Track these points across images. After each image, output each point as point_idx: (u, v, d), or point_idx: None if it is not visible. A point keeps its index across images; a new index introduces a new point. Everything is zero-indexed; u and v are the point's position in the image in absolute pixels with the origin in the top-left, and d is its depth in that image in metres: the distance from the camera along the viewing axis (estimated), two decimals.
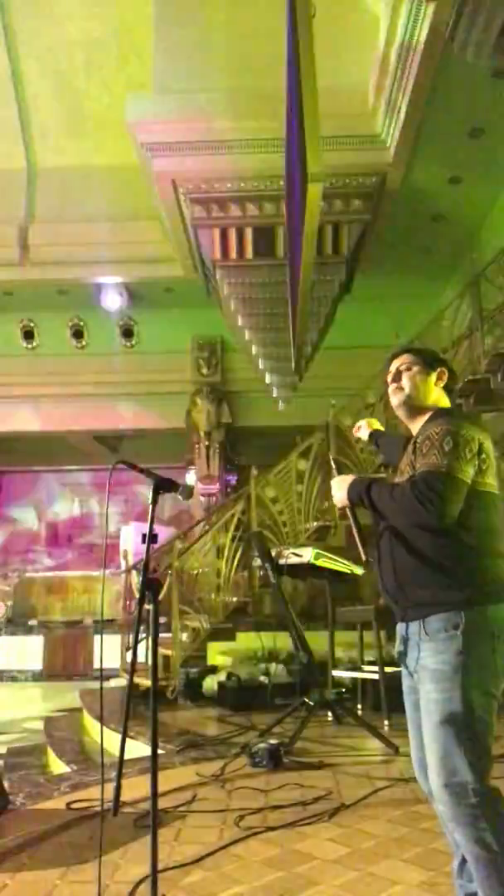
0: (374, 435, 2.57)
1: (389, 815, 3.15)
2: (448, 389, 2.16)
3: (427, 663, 1.86)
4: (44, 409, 11.42)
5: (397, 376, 2.14)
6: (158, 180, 7.93)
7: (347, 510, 2.13)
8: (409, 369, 2.13)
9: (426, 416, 2.08)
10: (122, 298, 10.37)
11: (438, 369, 2.14)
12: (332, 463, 2.37)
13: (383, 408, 7.18)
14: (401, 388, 2.12)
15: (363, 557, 2.16)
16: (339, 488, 2.09)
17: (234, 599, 7.16)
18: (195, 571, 7.27)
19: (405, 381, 2.12)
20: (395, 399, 2.14)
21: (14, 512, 13.44)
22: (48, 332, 11.32)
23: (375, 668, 5.21)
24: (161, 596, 2.91)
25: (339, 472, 2.20)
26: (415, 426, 2.11)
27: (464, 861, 1.91)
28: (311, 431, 8.06)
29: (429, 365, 2.13)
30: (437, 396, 2.12)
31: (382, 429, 2.63)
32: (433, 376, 2.12)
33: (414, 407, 2.10)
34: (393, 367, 2.16)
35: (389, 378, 2.16)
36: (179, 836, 2.98)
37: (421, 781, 1.99)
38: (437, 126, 6.81)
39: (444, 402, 2.13)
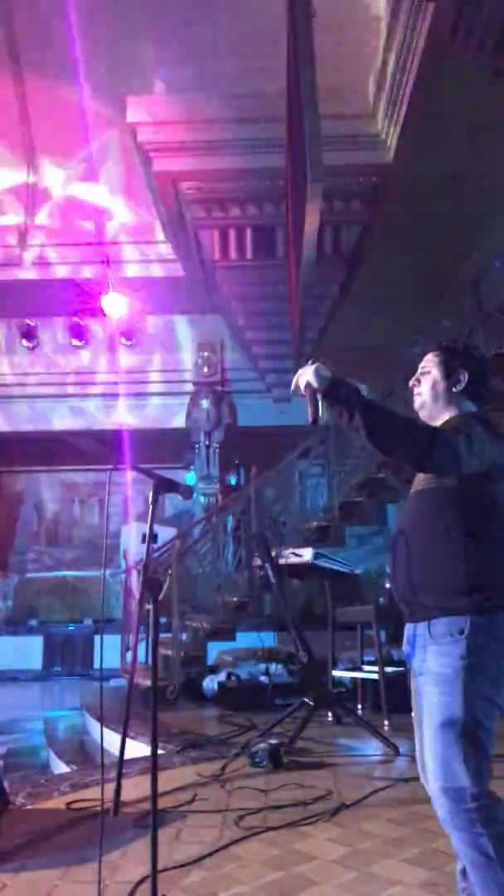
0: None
1: (389, 815, 3.15)
2: (473, 392, 2.04)
3: (431, 666, 1.86)
4: (44, 409, 11.43)
5: (418, 379, 2.08)
6: (158, 180, 7.93)
7: (308, 393, 1.87)
8: (428, 373, 2.06)
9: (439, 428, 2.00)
10: (123, 298, 10.36)
11: (456, 375, 2.02)
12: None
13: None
14: (419, 394, 2.07)
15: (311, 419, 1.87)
16: (313, 371, 1.86)
17: (234, 599, 7.15)
18: (195, 571, 7.27)
19: (423, 387, 2.06)
20: (415, 403, 2.09)
21: (14, 512, 13.42)
22: (48, 331, 11.33)
23: (375, 668, 5.21)
24: (161, 596, 2.91)
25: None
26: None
27: None
28: (311, 431, 8.06)
29: (448, 369, 2.03)
30: (458, 402, 2.02)
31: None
32: (450, 382, 2.02)
33: (431, 414, 2.05)
34: (419, 368, 2.09)
35: (411, 381, 2.10)
36: (179, 836, 2.98)
37: (424, 782, 1.99)
38: (437, 126, 6.81)
39: (467, 407, 2.03)
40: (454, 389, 2.02)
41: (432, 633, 1.87)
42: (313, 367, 1.91)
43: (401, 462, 1.96)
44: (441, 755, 1.79)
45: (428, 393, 2.05)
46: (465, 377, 2.02)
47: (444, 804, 1.77)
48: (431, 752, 1.82)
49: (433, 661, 1.86)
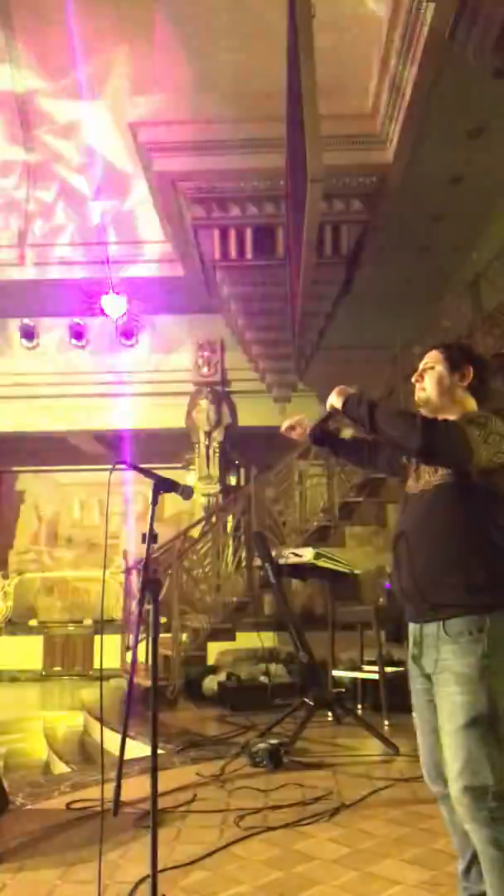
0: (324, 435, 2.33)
1: (389, 815, 3.15)
2: (477, 389, 2.06)
3: (450, 665, 1.84)
4: (44, 409, 11.43)
5: (421, 375, 2.09)
6: (158, 180, 7.93)
7: (332, 411, 2.14)
8: (432, 369, 2.07)
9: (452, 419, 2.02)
10: (123, 298, 10.36)
11: (463, 370, 2.05)
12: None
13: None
14: (423, 389, 2.08)
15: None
16: (336, 391, 2.12)
17: (234, 599, 7.16)
18: (195, 571, 7.27)
19: (427, 382, 2.07)
20: (417, 398, 2.10)
21: (14, 512, 13.42)
22: (48, 331, 11.33)
23: (375, 668, 5.21)
24: (161, 596, 2.91)
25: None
26: None
27: (470, 864, 1.91)
28: None
29: (454, 365, 2.05)
30: (462, 398, 2.04)
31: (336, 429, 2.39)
32: (456, 377, 2.05)
33: (436, 409, 2.04)
34: (421, 364, 2.11)
35: (414, 376, 2.11)
36: (179, 836, 2.98)
37: (429, 782, 1.98)
38: (437, 126, 6.81)
39: (470, 403, 2.05)
40: (460, 384, 2.04)
41: (448, 632, 1.85)
42: (337, 388, 2.11)
43: (409, 453, 2.00)
44: (465, 754, 1.77)
45: (434, 388, 2.05)
46: (470, 372, 2.05)
47: (466, 803, 1.77)
48: (454, 752, 1.80)
49: (453, 661, 1.83)
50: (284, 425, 2.39)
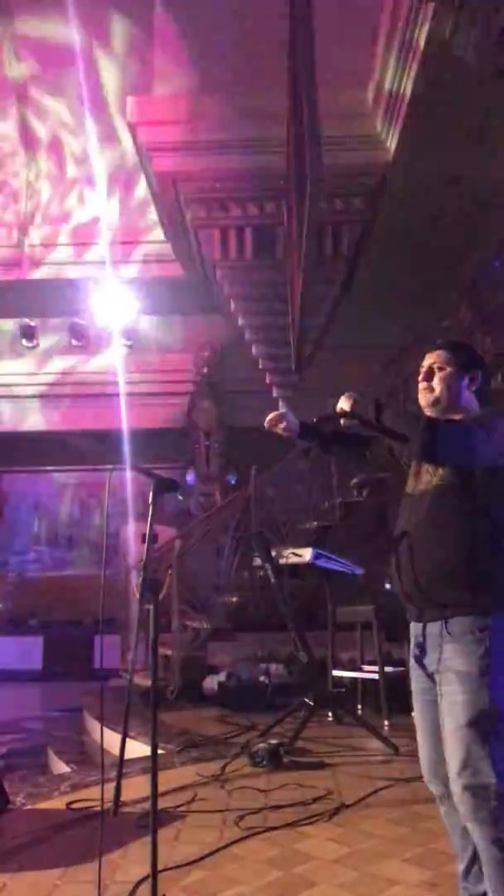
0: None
1: (389, 815, 3.15)
2: (480, 391, 2.06)
3: (452, 665, 1.85)
4: (44, 409, 11.43)
5: (429, 375, 2.05)
6: (158, 180, 7.93)
7: (344, 415, 2.06)
8: (442, 369, 2.04)
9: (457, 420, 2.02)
10: (122, 299, 10.36)
11: (472, 373, 2.05)
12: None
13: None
14: (431, 389, 2.04)
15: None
16: (346, 396, 2.05)
17: (234, 599, 7.16)
18: (195, 571, 7.27)
19: (436, 383, 2.04)
20: (423, 399, 2.06)
21: (14, 512, 13.43)
22: (48, 331, 11.33)
23: (375, 668, 5.21)
24: (161, 596, 2.91)
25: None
26: None
27: (469, 865, 1.91)
28: None
29: (464, 367, 2.04)
30: (469, 399, 2.05)
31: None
32: (466, 380, 2.04)
33: (444, 410, 2.03)
34: (426, 364, 2.07)
35: (420, 375, 2.07)
36: (179, 836, 2.98)
37: (429, 782, 1.98)
38: (437, 126, 6.80)
39: (474, 405, 2.05)
40: (469, 387, 2.04)
41: (450, 631, 1.85)
42: (347, 393, 2.05)
43: (414, 454, 1.99)
44: (465, 753, 1.78)
45: (444, 390, 2.03)
46: (478, 375, 2.04)
47: (467, 802, 1.77)
48: (454, 751, 1.80)
49: (454, 660, 1.84)
50: (269, 419, 2.31)
